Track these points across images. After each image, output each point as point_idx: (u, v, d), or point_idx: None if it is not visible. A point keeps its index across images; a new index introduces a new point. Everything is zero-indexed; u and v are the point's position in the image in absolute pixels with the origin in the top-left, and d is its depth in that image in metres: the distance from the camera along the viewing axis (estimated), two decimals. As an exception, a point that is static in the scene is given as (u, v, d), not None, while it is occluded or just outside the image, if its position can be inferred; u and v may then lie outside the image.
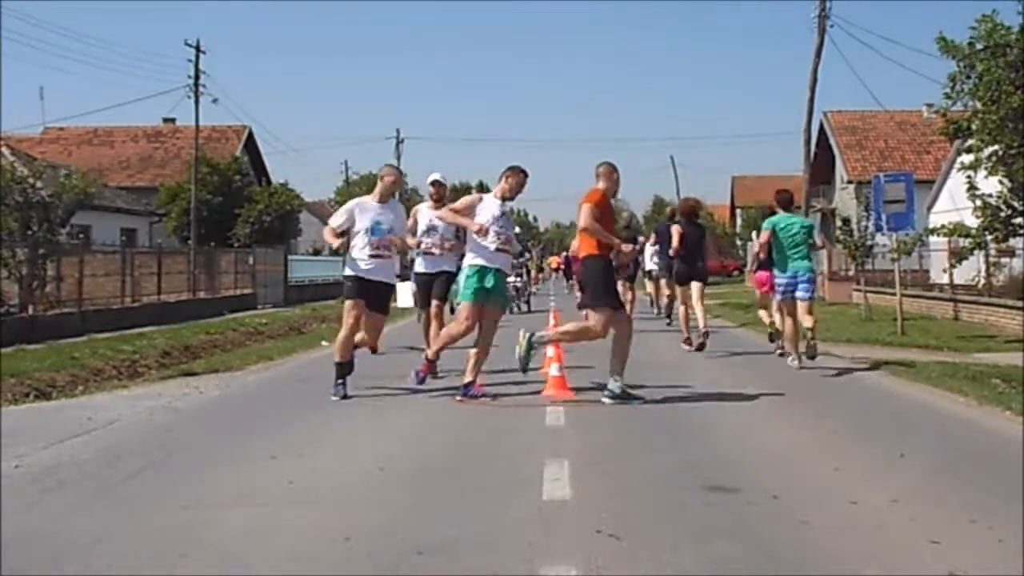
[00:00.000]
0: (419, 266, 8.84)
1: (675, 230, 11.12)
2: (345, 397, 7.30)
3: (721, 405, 6.98)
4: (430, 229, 8.57)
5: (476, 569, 3.32)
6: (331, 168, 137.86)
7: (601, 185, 7.19)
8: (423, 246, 8.61)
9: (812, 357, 9.19)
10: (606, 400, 6.96)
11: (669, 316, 14.89)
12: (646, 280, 17.34)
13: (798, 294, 9.16)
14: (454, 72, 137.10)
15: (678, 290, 11.71)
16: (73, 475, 4.90)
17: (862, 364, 9.79)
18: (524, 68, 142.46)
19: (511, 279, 17.96)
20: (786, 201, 9.67)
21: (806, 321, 9.17)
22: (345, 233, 7.45)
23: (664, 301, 15.62)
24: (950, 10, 75.91)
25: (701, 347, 10.49)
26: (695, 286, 10.93)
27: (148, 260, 20.92)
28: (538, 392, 7.40)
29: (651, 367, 8.92)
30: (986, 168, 12.70)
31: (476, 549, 3.54)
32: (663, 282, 14.87)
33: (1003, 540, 3.61)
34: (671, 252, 11.27)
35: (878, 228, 15.79)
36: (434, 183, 8.92)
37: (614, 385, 6.99)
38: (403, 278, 14.36)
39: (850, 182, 31.45)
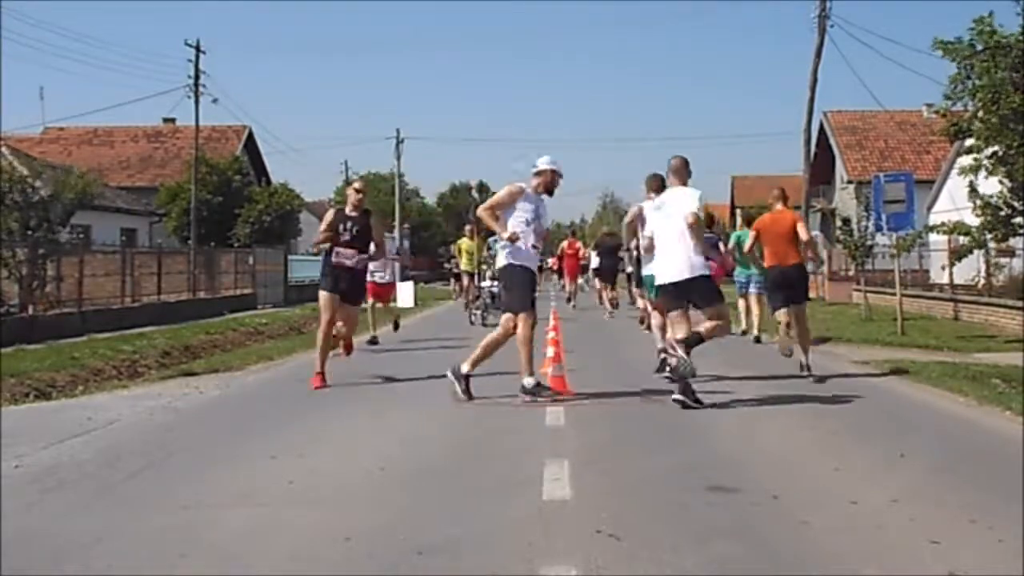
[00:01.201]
0: (515, 258, 7.25)
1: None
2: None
3: (721, 405, 6.97)
4: (537, 217, 7.31)
5: (476, 569, 3.32)
6: (331, 168, 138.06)
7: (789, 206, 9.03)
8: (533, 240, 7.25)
9: (757, 341, 12.28)
10: (811, 378, 8.13)
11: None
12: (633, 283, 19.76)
13: (751, 288, 12.73)
14: (454, 72, 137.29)
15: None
16: (73, 475, 4.90)
17: (862, 364, 9.79)
18: (524, 68, 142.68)
19: (486, 284, 15.75)
20: (750, 220, 13.16)
21: (755, 309, 12.63)
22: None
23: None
24: (950, 10, 76.02)
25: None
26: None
27: (148, 260, 20.92)
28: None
29: (649, 366, 8.91)
30: (986, 169, 12.70)
31: (476, 549, 3.54)
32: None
33: (1003, 540, 3.61)
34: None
35: (878, 228, 15.77)
36: (555, 172, 7.44)
37: (805, 360, 8.40)
38: (405, 278, 14.40)
39: (850, 182, 31.47)
